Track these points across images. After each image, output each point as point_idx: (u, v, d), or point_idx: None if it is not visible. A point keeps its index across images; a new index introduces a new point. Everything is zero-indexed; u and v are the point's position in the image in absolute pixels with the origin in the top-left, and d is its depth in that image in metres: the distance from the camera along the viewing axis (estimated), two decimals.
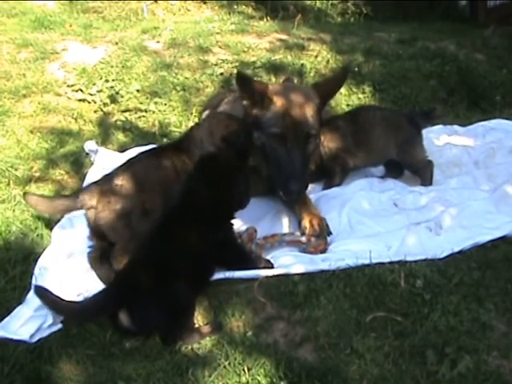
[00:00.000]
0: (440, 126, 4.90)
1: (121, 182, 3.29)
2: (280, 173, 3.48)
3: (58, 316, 2.90)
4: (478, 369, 2.49)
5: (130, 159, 3.52)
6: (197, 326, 2.82)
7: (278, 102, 3.49)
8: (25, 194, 3.50)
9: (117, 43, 6.04)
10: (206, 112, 4.28)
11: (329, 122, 4.08)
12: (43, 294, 2.76)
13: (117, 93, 5.27)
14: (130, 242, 3.14)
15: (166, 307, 2.71)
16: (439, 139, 4.69)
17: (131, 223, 3.23)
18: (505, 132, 4.74)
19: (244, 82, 3.53)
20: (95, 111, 5.16)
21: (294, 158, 3.44)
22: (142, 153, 3.62)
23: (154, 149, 3.76)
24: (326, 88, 3.69)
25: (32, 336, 2.78)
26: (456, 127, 4.91)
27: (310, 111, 3.51)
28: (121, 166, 3.44)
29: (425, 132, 4.54)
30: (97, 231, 3.28)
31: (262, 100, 3.48)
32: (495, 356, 2.56)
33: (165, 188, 3.34)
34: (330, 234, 3.51)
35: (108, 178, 3.35)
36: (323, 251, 3.36)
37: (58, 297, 2.75)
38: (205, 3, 8.84)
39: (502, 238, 3.30)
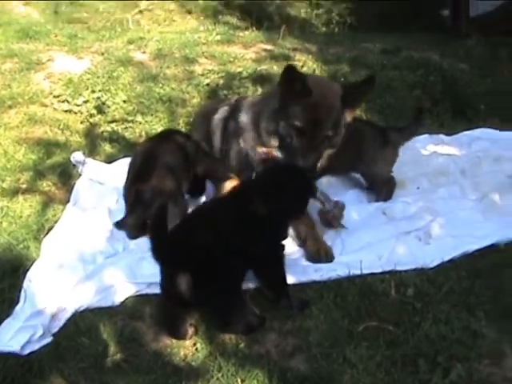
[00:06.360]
0: (426, 136, 4.92)
1: None
2: (289, 156, 3.55)
3: (48, 327, 2.88)
4: (469, 377, 2.51)
5: None
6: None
7: (312, 98, 3.48)
8: None
9: (103, 54, 6.02)
10: (199, 120, 4.25)
11: None
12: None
13: (103, 103, 5.23)
14: None
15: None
16: (426, 148, 4.72)
17: None
18: (490, 141, 4.79)
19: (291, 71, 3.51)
20: (82, 122, 5.10)
21: (305, 148, 3.50)
22: None
23: None
24: (353, 95, 3.64)
25: (23, 348, 2.75)
26: (442, 136, 4.94)
27: (333, 114, 3.54)
28: None
29: (411, 141, 4.60)
30: None
31: (301, 89, 3.48)
32: (486, 364, 2.59)
33: None
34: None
35: None
36: None
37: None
38: (190, 14, 8.88)
39: (490, 247, 3.35)
